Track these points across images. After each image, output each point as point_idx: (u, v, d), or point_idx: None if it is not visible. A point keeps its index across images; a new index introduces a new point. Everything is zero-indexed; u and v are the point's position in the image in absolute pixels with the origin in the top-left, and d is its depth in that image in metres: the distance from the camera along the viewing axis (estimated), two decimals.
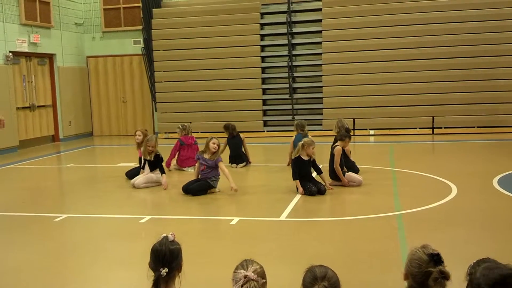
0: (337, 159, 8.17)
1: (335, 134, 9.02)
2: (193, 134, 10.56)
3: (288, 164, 8.31)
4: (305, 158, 7.82)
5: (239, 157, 10.42)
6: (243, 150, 10.58)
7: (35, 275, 4.96)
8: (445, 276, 2.42)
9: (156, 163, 8.76)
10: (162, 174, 8.71)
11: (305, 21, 15.96)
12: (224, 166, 8.13)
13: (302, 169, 7.83)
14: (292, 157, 8.07)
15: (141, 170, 8.94)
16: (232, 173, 9.86)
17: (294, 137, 9.92)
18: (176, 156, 10.19)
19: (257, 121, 15.44)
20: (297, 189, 7.79)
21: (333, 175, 8.30)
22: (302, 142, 7.89)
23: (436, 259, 2.44)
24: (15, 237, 6.24)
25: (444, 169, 9.23)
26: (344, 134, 8.54)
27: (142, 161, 8.97)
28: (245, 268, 2.40)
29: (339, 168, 8.18)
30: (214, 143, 8.07)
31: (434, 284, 2.39)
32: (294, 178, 7.86)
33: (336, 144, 8.40)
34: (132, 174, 9.24)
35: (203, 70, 15.83)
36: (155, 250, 2.78)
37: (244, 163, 10.38)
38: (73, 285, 4.73)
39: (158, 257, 2.75)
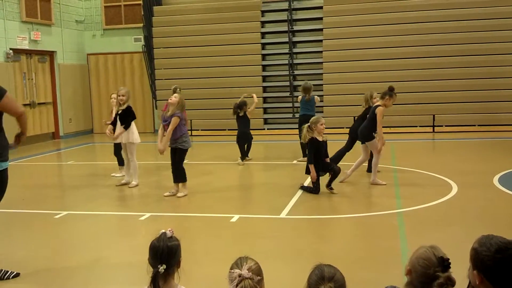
0: (380, 118, 7.90)
1: (364, 109, 8.92)
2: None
3: None
4: (320, 138, 7.60)
5: (245, 135, 10.65)
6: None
7: (35, 272, 4.95)
8: (452, 283, 2.31)
9: (126, 115, 8.46)
10: (124, 127, 8.42)
11: (306, 19, 15.97)
12: (175, 122, 7.41)
13: (317, 151, 7.57)
14: (306, 140, 7.71)
15: (110, 126, 8.91)
16: (235, 171, 9.92)
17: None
18: None
19: (258, 119, 15.41)
20: (310, 174, 7.58)
21: (367, 134, 8.06)
22: (309, 123, 7.67)
23: (446, 264, 2.33)
24: (15, 234, 6.25)
25: (445, 167, 9.22)
26: (385, 92, 8.27)
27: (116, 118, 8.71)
28: (240, 266, 2.35)
29: (381, 128, 7.96)
30: (174, 96, 7.74)
31: None
32: (309, 161, 7.60)
33: (378, 104, 8.17)
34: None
35: (203, 68, 15.83)
36: (153, 246, 2.75)
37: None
38: (73, 281, 4.72)
39: (156, 253, 2.71)
